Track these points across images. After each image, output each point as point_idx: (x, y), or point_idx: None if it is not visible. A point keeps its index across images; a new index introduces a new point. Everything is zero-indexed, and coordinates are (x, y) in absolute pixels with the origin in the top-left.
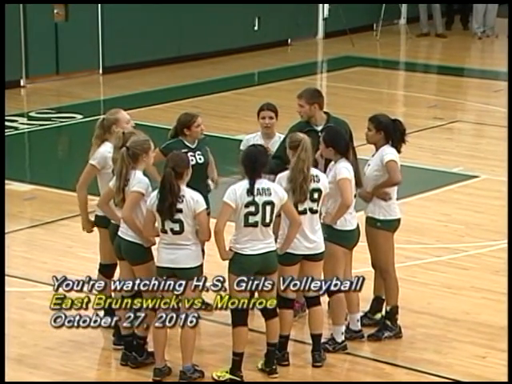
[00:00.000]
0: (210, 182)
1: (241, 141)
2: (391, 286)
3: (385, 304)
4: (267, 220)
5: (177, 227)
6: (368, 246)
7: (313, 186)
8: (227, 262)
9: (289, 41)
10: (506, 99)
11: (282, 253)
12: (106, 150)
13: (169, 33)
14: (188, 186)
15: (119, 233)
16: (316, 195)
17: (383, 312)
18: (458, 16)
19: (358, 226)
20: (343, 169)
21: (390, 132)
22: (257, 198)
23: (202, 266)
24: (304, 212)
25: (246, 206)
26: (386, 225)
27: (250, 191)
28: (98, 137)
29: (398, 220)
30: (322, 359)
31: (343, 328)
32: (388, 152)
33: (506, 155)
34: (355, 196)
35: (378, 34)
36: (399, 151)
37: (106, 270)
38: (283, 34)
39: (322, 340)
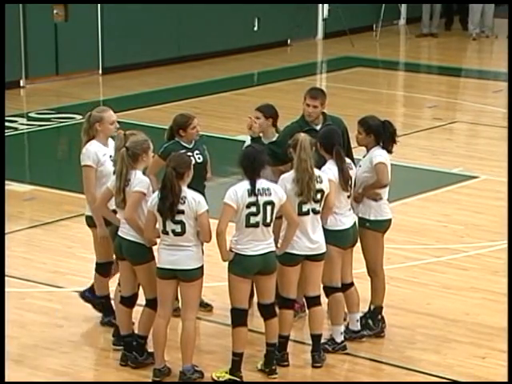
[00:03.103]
0: None
1: (240, 141)
2: (377, 286)
3: (369, 303)
4: (268, 220)
5: (178, 228)
6: (361, 246)
7: (316, 186)
8: (226, 263)
9: (288, 41)
10: (506, 100)
11: (280, 253)
12: (96, 149)
13: (168, 33)
14: (188, 185)
15: (119, 233)
16: (319, 196)
17: (366, 310)
18: (457, 17)
19: (354, 225)
20: (327, 170)
21: (380, 134)
22: (258, 198)
23: (202, 267)
24: (307, 213)
25: (248, 206)
26: (375, 225)
27: (252, 192)
28: (85, 131)
29: (389, 220)
30: (322, 360)
31: (342, 328)
32: (377, 154)
33: (506, 156)
34: (348, 197)
35: (377, 35)
36: (390, 152)
37: (102, 269)
38: (283, 35)
39: (322, 340)
